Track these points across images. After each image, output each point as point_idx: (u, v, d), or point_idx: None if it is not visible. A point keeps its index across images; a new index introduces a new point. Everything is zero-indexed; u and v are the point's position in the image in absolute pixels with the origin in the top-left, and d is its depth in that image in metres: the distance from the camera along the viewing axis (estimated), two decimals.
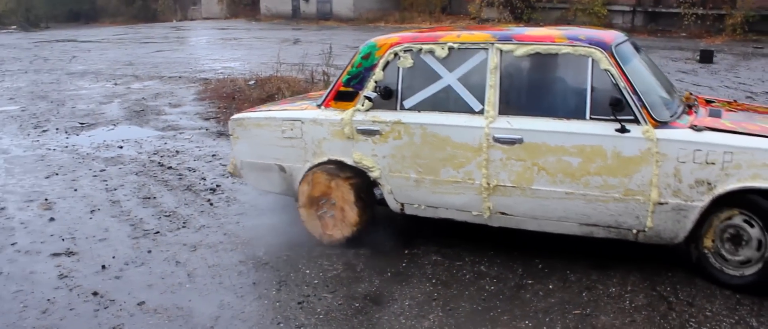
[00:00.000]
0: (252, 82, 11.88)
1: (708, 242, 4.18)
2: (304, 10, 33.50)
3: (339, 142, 4.83)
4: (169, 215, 5.80)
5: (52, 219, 5.85)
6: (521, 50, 4.36)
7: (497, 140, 4.37)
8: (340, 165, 4.88)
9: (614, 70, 4.15)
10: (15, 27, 33.31)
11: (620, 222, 4.23)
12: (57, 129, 9.57)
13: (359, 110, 4.77)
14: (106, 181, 6.91)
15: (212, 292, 4.36)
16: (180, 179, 6.77)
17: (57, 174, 7.24)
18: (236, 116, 5.42)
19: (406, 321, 3.90)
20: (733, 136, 3.99)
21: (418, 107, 4.63)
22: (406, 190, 4.75)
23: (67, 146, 8.51)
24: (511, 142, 4.35)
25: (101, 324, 4.00)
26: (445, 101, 4.57)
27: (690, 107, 4.60)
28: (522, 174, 4.36)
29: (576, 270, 4.46)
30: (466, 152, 4.47)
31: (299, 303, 4.16)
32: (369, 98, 4.72)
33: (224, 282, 4.50)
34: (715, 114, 4.46)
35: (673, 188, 4.04)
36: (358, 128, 4.76)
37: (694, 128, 4.06)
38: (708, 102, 4.94)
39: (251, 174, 5.34)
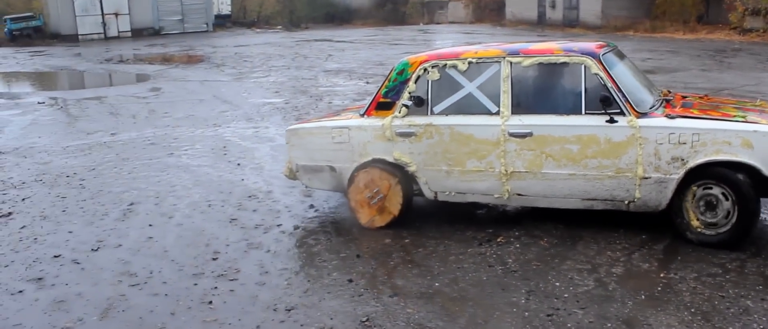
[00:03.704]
0: None
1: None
2: (550, 16, 33.06)
3: (381, 144, 5.65)
4: (419, 213, 6.00)
5: (311, 206, 6.33)
6: (527, 62, 5.29)
7: (512, 134, 5.25)
8: (383, 163, 5.63)
9: (602, 74, 5.06)
10: (280, 27, 36.57)
11: (614, 195, 5.11)
12: None
13: (397, 117, 5.61)
14: None
15: (463, 293, 4.45)
16: None
17: None
18: (291, 126, 6.32)
19: None
20: (699, 120, 4.92)
21: (445, 112, 5.51)
22: (439, 180, 5.56)
23: None
24: (523, 135, 5.22)
25: (356, 308, 4.25)
26: (468, 106, 5.45)
27: (667, 100, 5.43)
28: (533, 161, 5.23)
29: None
30: (487, 146, 5.34)
31: (548, 315, 4.10)
32: (406, 106, 5.57)
33: (474, 285, 4.57)
34: (687, 105, 5.36)
35: (655, 164, 4.93)
36: (397, 131, 5.59)
37: (669, 116, 4.98)
38: (683, 97, 5.80)
39: (306, 175, 6.06)
